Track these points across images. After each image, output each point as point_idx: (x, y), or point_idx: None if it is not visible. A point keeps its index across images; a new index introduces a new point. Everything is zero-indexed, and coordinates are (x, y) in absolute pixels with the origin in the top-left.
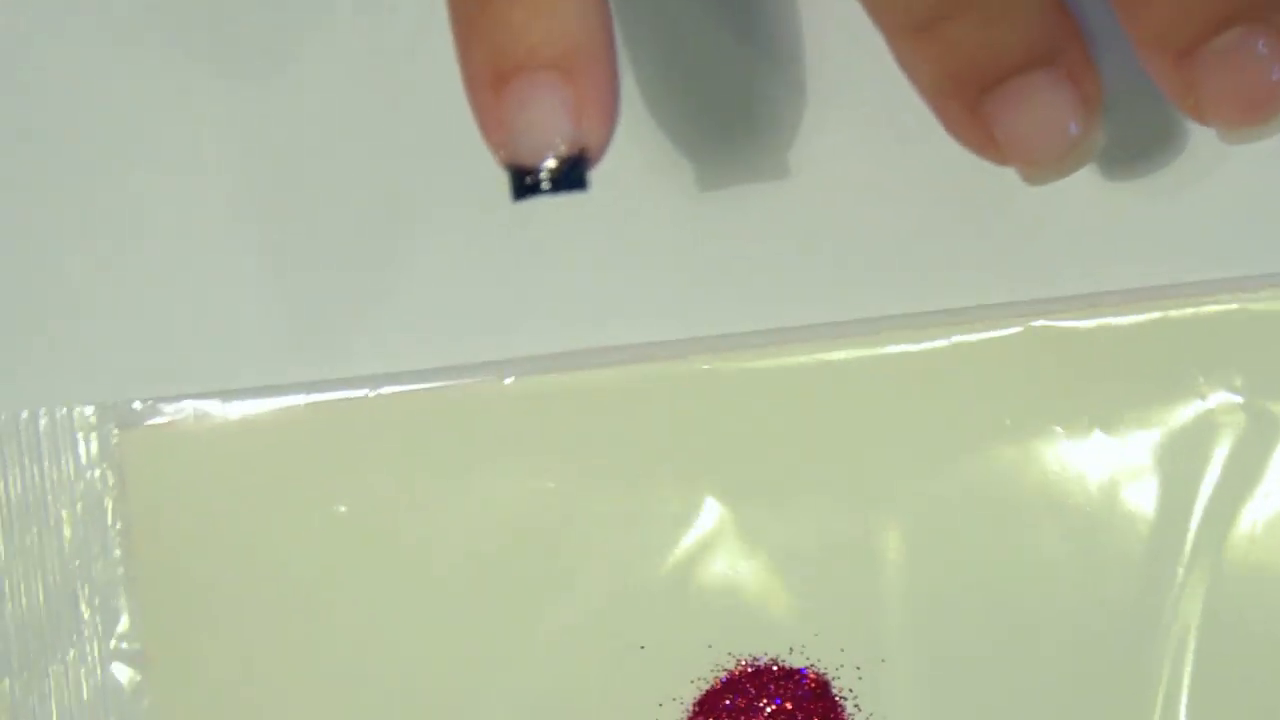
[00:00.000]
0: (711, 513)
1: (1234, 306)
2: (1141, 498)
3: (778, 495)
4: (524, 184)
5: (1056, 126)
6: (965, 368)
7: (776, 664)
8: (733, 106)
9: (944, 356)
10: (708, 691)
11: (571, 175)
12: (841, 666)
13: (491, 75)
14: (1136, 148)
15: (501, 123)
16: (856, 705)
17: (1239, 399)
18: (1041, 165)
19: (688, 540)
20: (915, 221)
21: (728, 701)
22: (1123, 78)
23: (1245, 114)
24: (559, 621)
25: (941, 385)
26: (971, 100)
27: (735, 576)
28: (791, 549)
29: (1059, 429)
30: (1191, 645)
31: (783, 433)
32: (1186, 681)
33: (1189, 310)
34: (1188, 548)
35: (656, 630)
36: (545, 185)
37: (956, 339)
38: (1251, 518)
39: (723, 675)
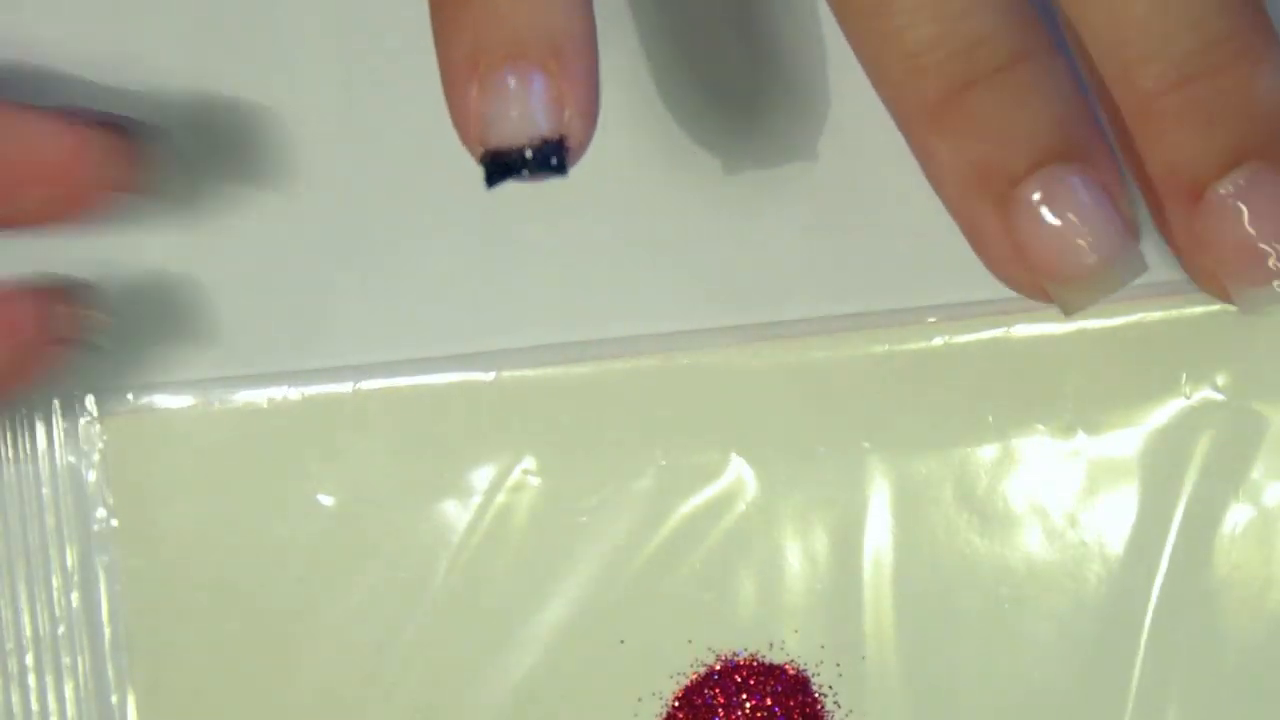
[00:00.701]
0: (692, 509)
1: (1216, 306)
2: (1124, 496)
3: (760, 492)
4: (501, 166)
5: (1096, 231)
6: (949, 366)
7: (756, 660)
8: (724, 106)
9: (928, 355)
10: (687, 686)
11: (551, 157)
12: (821, 663)
13: (472, 65)
14: None
15: (480, 115)
16: (836, 702)
17: (1221, 397)
18: (1077, 281)
19: (668, 535)
20: (902, 220)
21: (707, 697)
22: None
23: (1261, 271)
24: (540, 616)
25: (925, 384)
26: (999, 193)
27: (716, 572)
28: (772, 545)
29: (1041, 427)
30: (1172, 643)
31: (766, 431)
32: (1166, 678)
33: (1172, 309)
34: (1170, 545)
35: (637, 625)
36: (523, 167)
37: (939, 340)
38: (1234, 516)
39: (702, 670)
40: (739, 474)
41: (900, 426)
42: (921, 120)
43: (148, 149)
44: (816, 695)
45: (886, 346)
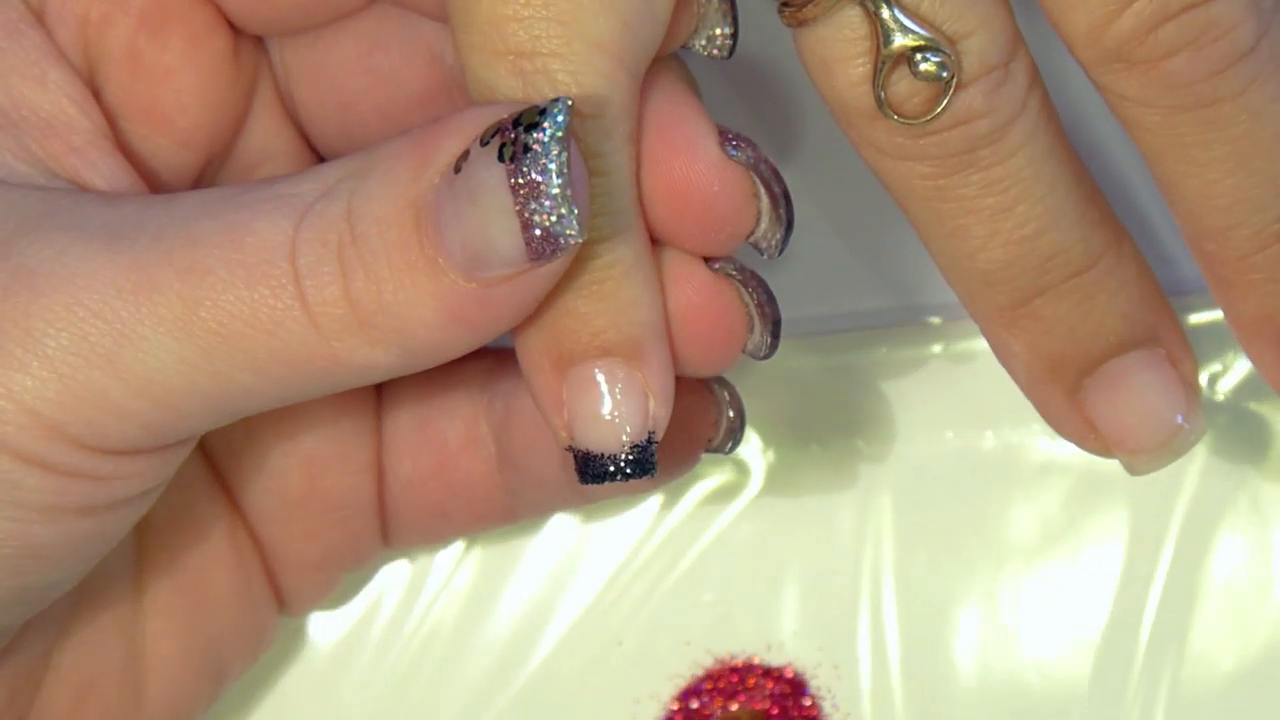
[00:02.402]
0: (691, 510)
1: (1215, 310)
2: (1123, 497)
3: (758, 493)
4: (595, 471)
5: (1158, 411)
6: (947, 367)
7: (754, 662)
8: (724, 108)
9: (927, 357)
10: (685, 688)
11: (643, 460)
12: (819, 665)
13: (554, 359)
14: (1129, 159)
15: (564, 404)
16: (834, 704)
17: (1221, 398)
18: (1145, 453)
19: (667, 536)
20: (903, 221)
21: (705, 698)
22: None
23: None
24: (539, 617)
25: (924, 385)
26: (1070, 384)
27: (714, 575)
28: (771, 546)
29: (1040, 428)
30: (1172, 644)
31: (765, 432)
32: (1166, 678)
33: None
34: (1170, 546)
35: (635, 627)
36: (619, 474)
37: (938, 342)
38: (1234, 516)
39: (700, 672)
40: (737, 475)
41: (899, 428)
42: (993, 319)
43: None
44: (814, 697)
45: (886, 348)
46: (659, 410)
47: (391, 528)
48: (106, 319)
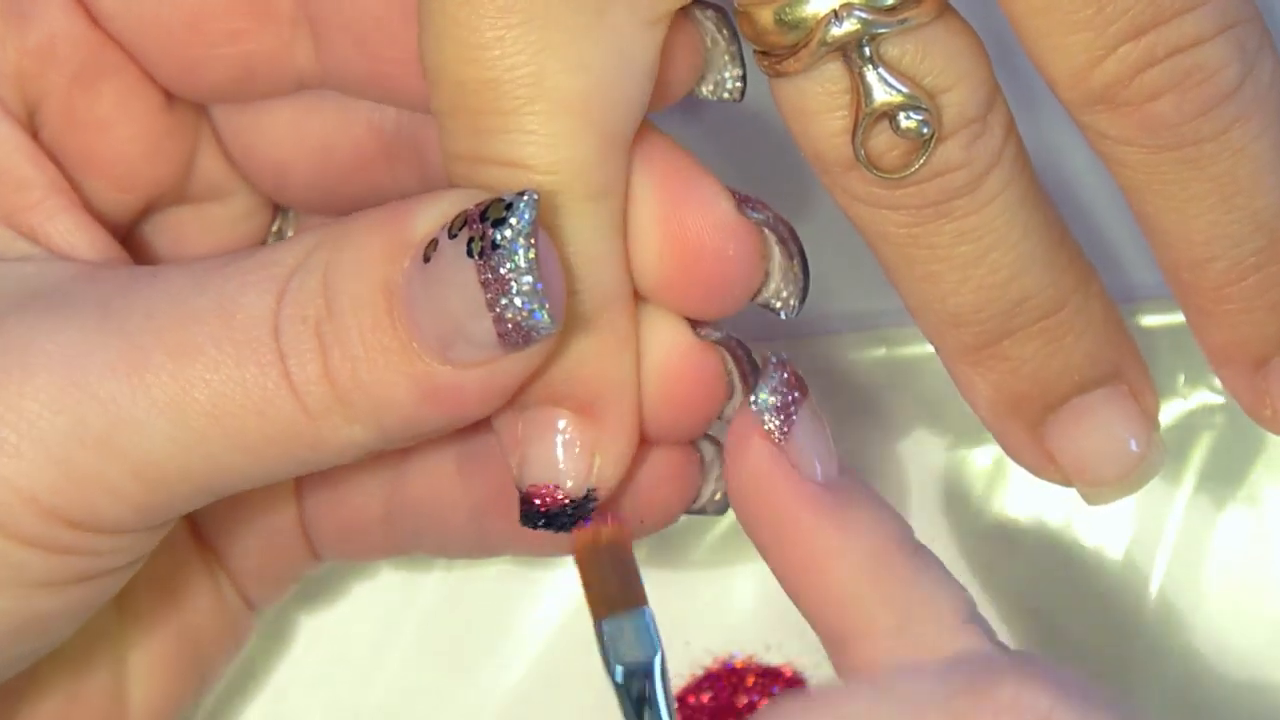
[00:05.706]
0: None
1: None
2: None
3: None
4: (530, 515)
5: (1119, 445)
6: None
7: (753, 661)
8: (727, 110)
9: (927, 357)
10: (685, 688)
11: (577, 516)
12: (819, 665)
13: (517, 404)
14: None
15: (519, 443)
16: None
17: (1219, 399)
18: (1105, 485)
19: (666, 536)
20: None
21: (705, 698)
22: None
23: None
24: (537, 616)
25: (923, 385)
26: (1033, 420)
27: (714, 574)
28: None
29: None
30: (1168, 644)
31: None
32: (1163, 679)
33: (1169, 313)
34: (1167, 546)
35: None
36: (550, 523)
37: None
38: (1231, 516)
39: (700, 672)
40: None
41: (899, 427)
42: (959, 358)
43: None
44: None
45: (886, 348)
46: (606, 470)
47: (317, 546)
48: (102, 401)
